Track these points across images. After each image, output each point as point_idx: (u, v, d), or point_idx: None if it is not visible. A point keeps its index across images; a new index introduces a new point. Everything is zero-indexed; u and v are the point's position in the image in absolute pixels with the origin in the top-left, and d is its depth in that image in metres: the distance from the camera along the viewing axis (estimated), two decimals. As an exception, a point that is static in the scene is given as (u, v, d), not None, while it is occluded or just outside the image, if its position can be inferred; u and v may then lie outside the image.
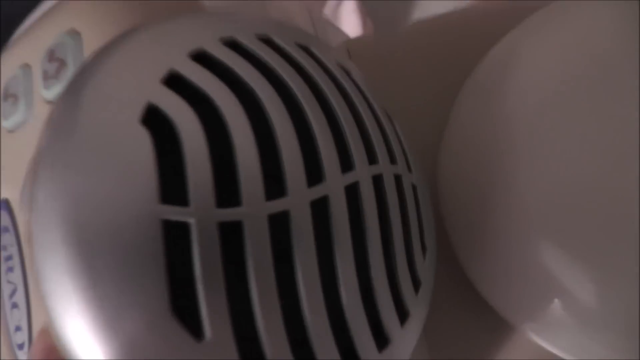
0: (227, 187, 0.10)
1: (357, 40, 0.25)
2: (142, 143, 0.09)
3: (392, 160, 0.13)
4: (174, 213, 0.09)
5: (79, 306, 0.09)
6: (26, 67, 0.15)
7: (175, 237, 0.09)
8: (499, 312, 0.19)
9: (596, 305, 0.16)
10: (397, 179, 0.13)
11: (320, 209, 0.11)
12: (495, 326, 0.20)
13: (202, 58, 0.11)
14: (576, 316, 0.16)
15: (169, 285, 0.09)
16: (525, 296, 0.17)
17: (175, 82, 0.10)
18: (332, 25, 0.23)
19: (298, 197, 0.10)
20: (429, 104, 0.22)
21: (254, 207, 0.10)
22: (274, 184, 0.10)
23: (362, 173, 0.12)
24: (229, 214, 0.09)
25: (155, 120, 0.10)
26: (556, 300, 0.16)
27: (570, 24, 0.19)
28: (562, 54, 0.18)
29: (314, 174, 0.11)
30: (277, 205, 0.10)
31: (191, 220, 0.09)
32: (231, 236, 0.09)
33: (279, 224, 0.10)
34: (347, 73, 0.13)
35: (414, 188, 0.14)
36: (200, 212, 0.09)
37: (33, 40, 0.16)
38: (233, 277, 0.09)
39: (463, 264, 0.19)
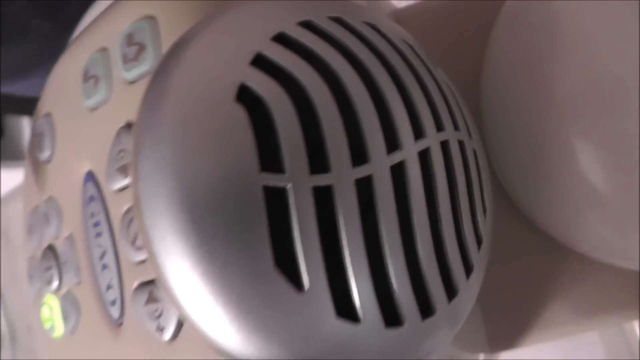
0: (317, 157, 0.11)
1: (403, 10, 0.25)
2: (240, 119, 0.11)
3: (456, 127, 0.14)
4: (273, 180, 0.10)
5: (190, 263, 0.10)
6: (104, 51, 0.16)
7: (274, 201, 0.10)
8: (552, 234, 0.20)
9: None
10: (461, 144, 0.14)
11: (397, 174, 0.12)
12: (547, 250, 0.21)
13: (283, 40, 0.12)
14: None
15: (271, 243, 0.10)
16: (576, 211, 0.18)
17: (261, 63, 0.11)
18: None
19: (379, 163, 0.11)
20: (476, 64, 0.23)
21: (342, 173, 0.11)
22: (358, 152, 0.11)
23: (432, 140, 0.13)
24: (321, 179, 0.11)
25: (247, 99, 0.11)
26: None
27: None
28: None
29: (391, 142, 0.12)
30: (361, 171, 0.11)
31: (288, 186, 0.10)
32: (323, 199, 0.11)
33: (364, 188, 0.11)
34: (411, 47, 0.14)
35: (475, 152, 0.14)
36: (295, 178, 0.10)
37: (108, 26, 0.17)
38: (326, 235, 0.11)
39: (514, 196, 0.20)
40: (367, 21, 0.14)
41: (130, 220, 0.15)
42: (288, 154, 0.10)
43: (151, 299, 0.15)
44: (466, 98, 0.17)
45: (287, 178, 0.10)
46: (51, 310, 0.20)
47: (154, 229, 0.11)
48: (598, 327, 0.24)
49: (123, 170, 0.15)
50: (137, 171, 0.11)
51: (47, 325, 0.20)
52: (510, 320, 0.23)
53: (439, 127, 0.13)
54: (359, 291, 0.11)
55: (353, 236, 0.11)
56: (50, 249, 0.20)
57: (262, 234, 0.10)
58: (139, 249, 0.15)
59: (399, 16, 0.26)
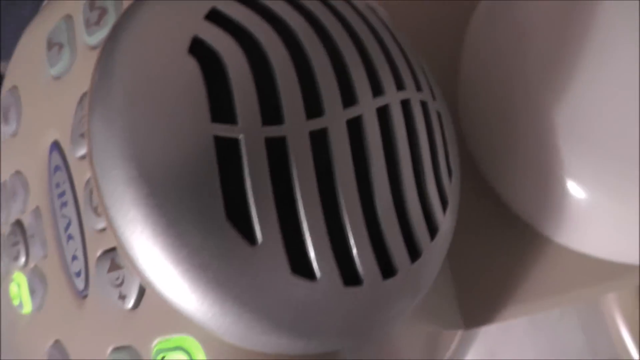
0: (270, 108, 0.11)
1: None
2: (192, 71, 0.10)
3: (418, 88, 0.14)
4: (225, 130, 0.10)
5: (144, 222, 0.10)
6: (68, 18, 0.16)
7: (225, 153, 0.10)
8: (523, 217, 0.20)
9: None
10: (424, 105, 0.14)
11: (355, 129, 0.11)
12: (519, 233, 0.21)
13: None
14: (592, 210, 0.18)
15: (222, 196, 0.10)
16: (547, 195, 0.19)
17: (215, 17, 0.11)
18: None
19: (335, 116, 0.11)
20: (445, 31, 0.23)
21: (296, 125, 0.11)
22: (313, 105, 0.11)
23: (392, 97, 0.12)
24: (274, 130, 0.10)
25: (200, 52, 0.11)
26: (575, 196, 0.18)
27: None
28: None
29: (348, 96, 0.11)
30: (316, 124, 0.11)
31: (240, 137, 0.10)
32: (276, 152, 0.10)
33: (319, 141, 0.11)
34: (374, 11, 0.14)
35: (439, 115, 0.14)
36: (248, 129, 0.10)
37: None
38: (279, 188, 0.10)
39: (487, 176, 0.20)
40: None
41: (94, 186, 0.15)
42: (240, 105, 0.10)
43: (113, 267, 0.14)
44: (442, 82, 0.17)
45: (239, 129, 0.10)
46: (19, 287, 0.20)
47: (105, 183, 0.11)
48: (570, 302, 0.25)
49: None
50: (90, 126, 0.11)
51: (16, 302, 0.20)
52: (484, 297, 0.23)
53: (400, 86, 0.13)
54: (314, 247, 0.11)
55: (307, 190, 0.11)
56: (18, 224, 0.19)
57: (214, 185, 0.10)
58: (101, 215, 0.14)
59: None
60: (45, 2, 0.20)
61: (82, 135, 0.15)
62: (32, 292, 0.19)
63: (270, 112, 0.10)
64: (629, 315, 0.46)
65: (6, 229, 0.20)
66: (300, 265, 0.11)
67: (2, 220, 0.20)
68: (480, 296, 0.23)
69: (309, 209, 0.11)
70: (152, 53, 0.11)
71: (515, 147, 0.20)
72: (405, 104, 0.13)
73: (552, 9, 0.19)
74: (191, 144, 0.10)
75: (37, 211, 0.18)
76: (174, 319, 0.13)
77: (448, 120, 0.15)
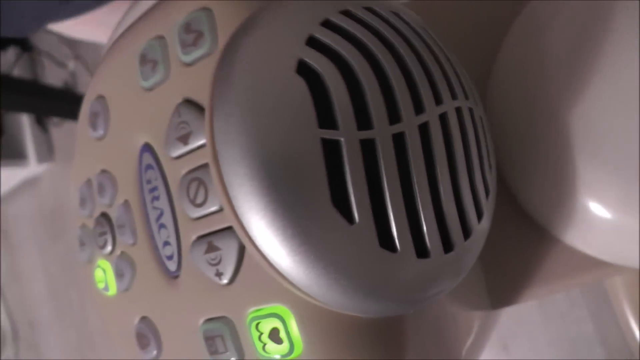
0: (362, 117, 0.13)
1: (414, 2, 0.28)
2: (301, 87, 0.13)
3: (466, 97, 0.16)
4: (329, 134, 0.13)
5: (265, 209, 0.13)
6: (161, 39, 0.19)
7: (330, 152, 0.13)
8: (540, 222, 0.23)
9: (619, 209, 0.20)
10: (471, 111, 0.16)
11: (424, 132, 0.14)
12: (536, 237, 0.24)
13: (329, 25, 0.14)
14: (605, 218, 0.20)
15: (328, 186, 0.13)
16: (564, 204, 0.22)
17: (313, 43, 0.14)
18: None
19: (410, 122, 0.14)
20: (476, 52, 0.26)
21: (382, 129, 0.13)
22: (393, 113, 0.14)
23: (448, 106, 0.15)
24: (366, 134, 0.13)
25: (304, 71, 0.14)
26: (589, 205, 0.21)
27: None
28: (595, 8, 0.21)
29: (418, 106, 0.14)
30: (397, 128, 0.14)
31: (341, 139, 0.13)
32: (368, 150, 0.13)
33: (399, 142, 0.14)
34: (427, 31, 0.17)
35: (481, 118, 0.17)
36: (346, 133, 0.13)
37: (164, 18, 0.19)
38: (371, 179, 0.13)
39: (510, 182, 0.23)
40: (392, 10, 0.16)
41: (190, 181, 0.17)
42: (340, 114, 0.13)
43: (211, 248, 0.17)
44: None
45: (340, 133, 0.13)
46: (105, 272, 0.22)
47: (231, 178, 0.13)
48: (580, 285, 0.28)
49: (182, 139, 0.18)
50: (215, 129, 0.14)
51: (101, 285, 0.23)
52: (507, 282, 0.26)
53: (454, 96, 0.16)
54: (396, 227, 0.14)
55: (392, 181, 0.13)
56: (104, 216, 0.22)
57: (322, 178, 0.13)
58: (199, 205, 0.17)
59: (411, 7, 0.29)
60: (120, 29, 0.23)
61: (178, 139, 0.18)
62: (120, 275, 0.21)
63: (363, 119, 0.13)
64: (635, 303, 0.49)
65: (90, 221, 0.23)
66: (386, 241, 0.14)
67: (86, 213, 0.23)
68: (504, 282, 0.26)
69: (393, 196, 0.13)
70: (265, 71, 0.14)
71: (535, 160, 0.23)
72: (459, 111, 0.16)
73: (579, 34, 0.22)
74: (303, 145, 0.13)
75: (126, 204, 0.21)
76: (266, 291, 0.16)
77: (487, 122, 0.18)
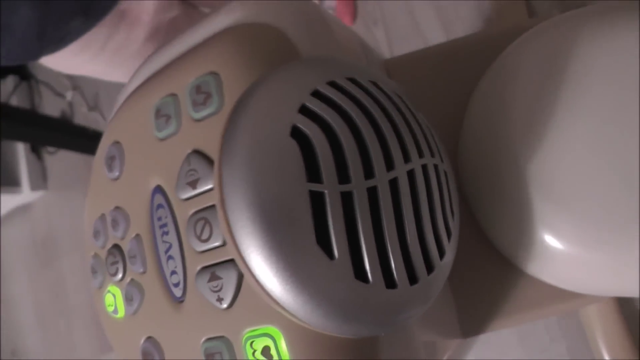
0: (342, 173, 0.17)
1: (391, 60, 0.32)
2: (294, 149, 0.16)
3: (432, 155, 0.20)
4: (316, 187, 0.16)
5: (261, 246, 0.16)
6: (173, 96, 0.22)
7: (316, 201, 0.16)
8: (508, 257, 0.27)
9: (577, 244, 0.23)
10: (436, 167, 0.20)
11: (393, 185, 0.18)
12: (504, 270, 0.28)
13: (317, 95, 0.18)
14: (564, 250, 0.24)
15: (314, 228, 0.16)
16: (529, 241, 0.25)
17: (305, 111, 0.17)
18: (370, 48, 0.30)
19: (381, 178, 0.17)
20: (449, 105, 0.30)
21: (358, 184, 0.17)
22: (368, 170, 0.17)
23: (415, 163, 0.18)
24: (346, 187, 0.16)
25: (296, 135, 0.17)
26: (551, 240, 0.24)
27: (556, 38, 0.26)
28: (551, 64, 0.25)
29: (389, 164, 0.18)
30: (370, 183, 0.17)
31: (325, 191, 0.16)
32: (346, 200, 0.16)
33: (372, 194, 0.17)
34: (400, 97, 0.20)
35: (445, 173, 0.20)
36: (329, 186, 0.16)
37: (177, 78, 0.22)
38: (348, 223, 0.16)
39: (480, 220, 0.26)
40: (370, 79, 0.20)
41: (197, 220, 0.20)
42: (324, 171, 0.16)
43: (213, 277, 0.20)
44: (442, 134, 0.23)
45: (324, 186, 0.16)
46: (115, 297, 0.25)
47: (235, 219, 0.16)
48: (549, 315, 0.31)
49: (191, 184, 0.21)
50: (222, 184, 0.17)
51: (110, 309, 0.25)
52: (478, 312, 0.29)
53: (420, 155, 0.19)
54: (369, 262, 0.17)
55: (365, 225, 0.17)
56: (116, 247, 0.25)
57: (308, 221, 0.16)
58: (204, 240, 0.20)
59: (389, 65, 0.33)
60: (127, 92, 0.26)
61: (188, 184, 0.21)
62: (129, 300, 0.24)
63: (343, 175, 0.16)
64: (608, 336, 0.53)
65: (103, 251, 0.26)
66: (360, 273, 0.17)
67: (100, 244, 0.26)
68: (474, 312, 0.29)
69: (366, 237, 0.17)
70: (264, 132, 0.17)
71: (500, 198, 0.27)
72: (424, 167, 0.19)
73: (536, 91, 0.26)
74: (294, 195, 0.16)
75: (138, 237, 0.24)
76: (260, 315, 0.19)
77: (452, 176, 0.21)
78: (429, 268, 0.19)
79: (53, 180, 1.54)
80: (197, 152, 0.21)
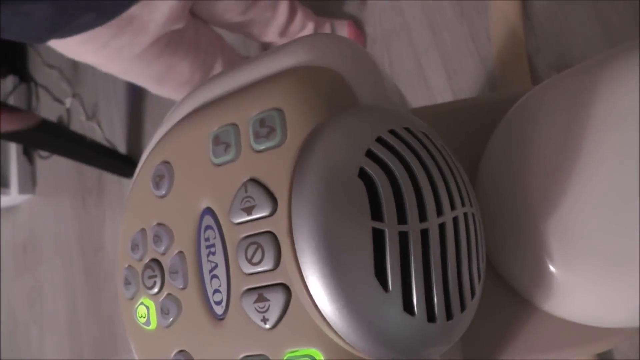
0: (401, 214, 0.18)
1: (419, 109, 0.34)
2: (360, 188, 0.18)
3: (471, 204, 0.22)
4: (378, 225, 0.18)
5: (322, 277, 0.18)
6: (234, 126, 0.24)
7: (376, 238, 0.18)
8: (524, 295, 0.29)
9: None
10: (473, 215, 0.22)
11: (441, 230, 0.19)
12: (515, 309, 0.29)
13: (380, 141, 0.20)
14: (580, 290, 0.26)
15: (373, 261, 0.18)
16: (543, 278, 0.27)
17: (370, 154, 0.19)
18: (404, 97, 0.32)
19: (432, 222, 0.19)
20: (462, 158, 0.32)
21: (413, 226, 0.18)
22: (422, 214, 0.19)
23: (459, 212, 0.20)
24: (403, 227, 0.18)
25: (362, 176, 0.19)
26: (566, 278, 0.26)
27: (575, 84, 0.29)
28: (570, 109, 0.28)
29: (439, 209, 0.20)
30: (424, 225, 0.19)
31: (385, 229, 0.18)
32: (402, 239, 0.18)
33: (424, 235, 0.19)
34: (445, 149, 0.22)
35: (480, 221, 0.23)
36: (389, 225, 0.18)
37: (239, 109, 0.24)
38: (403, 260, 0.18)
39: (495, 261, 0.28)
40: (421, 130, 0.22)
41: (249, 244, 0.22)
42: (386, 211, 0.18)
43: (260, 299, 0.21)
44: None
45: (385, 225, 0.18)
46: (148, 309, 0.26)
47: (302, 247, 0.18)
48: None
49: (247, 210, 0.22)
50: (292, 213, 0.19)
51: (142, 320, 0.27)
52: (482, 351, 0.31)
53: (463, 204, 0.21)
54: (417, 297, 0.18)
55: (417, 263, 0.18)
56: (155, 261, 0.26)
57: (369, 255, 0.18)
58: (255, 264, 0.22)
59: (415, 113, 0.35)
60: (170, 122, 0.28)
61: (242, 209, 0.22)
62: (165, 313, 0.25)
63: (401, 216, 0.18)
64: None
65: (140, 264, 0.27)
66: (408, 306, 0.18)
67: (137, 257, 0.27)
68: (479, 350, 0.31)
69: (417, 274, 0.18)
70: (334, 170, 0.19)
71: (516, 241, 0.29)
72: (465, 215, 0.21)
73: (553, 137, 0.28)
74: (359, 230, 0.18)
75: (181, 254, 0.25)
76: (304, 337, 0.21)
77: (481, 224, 0.23)
78: (463, 306, 0.20)
79: (42, 185, 1.53)
80: (254, 181, 0.22)
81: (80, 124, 1.48)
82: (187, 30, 0.77)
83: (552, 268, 0.27)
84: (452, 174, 0.21)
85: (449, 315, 0.20)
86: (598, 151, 0.25)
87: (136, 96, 1.39)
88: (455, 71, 0.92)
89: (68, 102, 1.51)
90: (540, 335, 0.30)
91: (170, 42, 0.74)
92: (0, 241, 1.55)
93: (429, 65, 0.95)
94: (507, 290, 0.30)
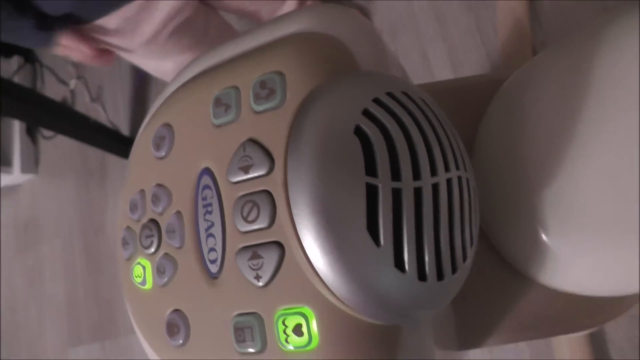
0: (395, 171, 0.19)
1: (420, 85, 0.35)
2: (356, 144, 0.19)
3: (465, 169, 0.22)
4: (372, 180, 0.18)
5: (317, 235, 0.18)
6: (235, 89, 0.24)
7: (370, 193, 0.18)
8: (519, 268, 0.29)
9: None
10: (468, 180, 0.22)
11: (434, 190, 0.20)
12: (509, 277, 0.30)
13: (378, 101, 0.20)
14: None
15: (366, 216, 0.18)
16: (535, 247, 0.27)
17: (367, 113, 0.19)
18: (405, 71, 0.32)
19: (426, 180, 0.19)
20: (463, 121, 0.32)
21: (408, 183, 0.19)
22: (416, 173, 0.19)
23: (453, 174, 0.21)
24: (397, 184, 0.18)
25: (358, 133, 0.19)
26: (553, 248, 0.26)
27: (568, 55, 0.29)
28: (562, 81, 0.28)
29: (433, 169, 0.20)
30: (417, 184, 0.19)
31: (379, 185, 0.18)
32: (396, 196, 0.18)
33: (417, 194, 0.19)
34: (442, 115, 0.23)
35: (474, 188, 0.23)
36: (383, 181, 0.18)
37: (242, 73, 0.24)
38: (395, 216, 0.18)
39: (491, 234, 0.29)
40: (420, 96, 0.22)
41: (246, 202, 0.22)
42: (380, 167, 0.18)
43: (255, 256, 0.22)
44: None
45: (379, 180, 0.18)
46: (144, 268, 0.27)
47: (296, 200, 0.18)
48: (545, 336, 0.33)
49: (244, 169, 0.22)
50: (288, 168, 0.19)
51: (138, 280, 0.27)
52: (476, 326, 0.31)
53: (457, 167, 0.21)
54: (408, 254, 0.19)
55: (409, 221, 0.19)
56: (153, 222, 0.26)
57: (362, 210, 0.18)
58: (250, 222, 0.22)
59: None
60: (190, 65, 0.28)
61: (240, 168, 0.23)
62: (161, 272, 0.26)
63: (395, 173, 0.19)
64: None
65: (138, 225, 0.27)
66: (399, 262, 0.19)
67: (135, 218, 0.28)
68: (473, 326, 0.31)
69: (408, 232, 0.19)
70: (330, 127, 0.19)
71: (511, 213, 0.29)
72: (459, 178, 0.21)
73: (552, 105, 0.28)
74: (352, 185, 0.18)
75: (178, 214, 0.25)
76: (296, 294, 0.21)
77: (476, 190, 0.23)
78: (454, 268, 0.21)
79: (45, 165, 1.54)
80: (253, 141, 0.23)
81: (84, 106, 1.48)
82: (195, 20, 0.77)
83: (546, 239, 0.27)
84: (448, 138, 0.22)
85: (439, 275, 0.20)
86: (595, 119, 0.25)
87: (141, 79, 1.40)
88: (461, 63, 0.92)
89: (72, 83, 1.51)
90: (535, 309, 0.30)
91: (179, 31, 0.74)
92: (1, 219, 1.56)
93: (434, 56, 0.95)
94: (503, 265, 0.30)
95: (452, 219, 0.20)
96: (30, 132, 1.56)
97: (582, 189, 0.26)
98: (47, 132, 1.54)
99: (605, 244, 0.26)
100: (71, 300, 1.37)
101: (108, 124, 1.39)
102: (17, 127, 1.52)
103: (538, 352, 0.74)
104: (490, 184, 0.29)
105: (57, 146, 1.51)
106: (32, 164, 1.53)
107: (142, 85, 1.40)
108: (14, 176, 1.49)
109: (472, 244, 0.22)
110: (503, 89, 0.31)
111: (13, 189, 1.56)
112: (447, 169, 0.20)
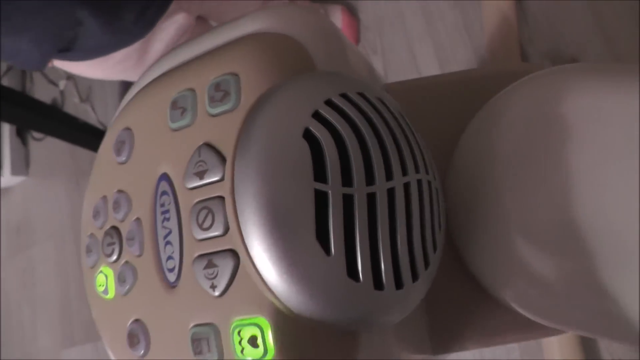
0: (346, 177, 0.18)
1: (390, 85, 0.34)
2: (304, 149, 0.18)
3: (427, 172, 0.21)
4: (321, 186, 0.17)
5: (265, 241, 0.17)
6: (192, 91, 0.23)
7: (319, 200, 0.18)
8: (484, 284, 0.28)
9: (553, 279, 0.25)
10: (429, 183, 0.21)
11: (390, 194, 0.19)
12: (478, 296, 0.29)
13: (330, 103, 0.19)
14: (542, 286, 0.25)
15: (315, 224, 0.17)
16: (506, 271, 0.26)
17: (317, 116, 0.19)
18: (375, 70, 0.32)
19: (380, 185, 0.19)
20: (440, 135, 0.32)
21: (360, 189, 0.18)
22: (369, 178, 0.18)
23: (412, 177, 0.20)
24: (348, 190, 0.18)
25: (308, 137, 0.18)
26: (529, 274, 0.26)
27: (544, 88, 0.28)
28: (537, 111, 0.27)
29: (388, 174, 0.19)
30: (371, 189, 0.18)
31: (329, 191, 0.18)
32: (347, 202, 0.18)
33: (371, 199, 0.18)
34: (402, 116, 0.22)
35: (437, 190, 0.22)
36: (333, 187, 0.18)
37: (197, 75, 0.24)
38: (347, 224, 0.18)
39: (460, 248, 0.28)
40: (377, 96, 0.21)
41: (201, 209, 0.21)
42: (330, 172, 0.18)
43: (210, 265, 0.21)
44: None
45: (328, 187, 0.18)
46: (107, 277, 0.26)
47: (243, 209, 0.18)
48: (514, 341, 0.32)
49: (199, 175, 0.22)
50: (235, 174, 0.18)
51: (100, 289, 0.26)
52: (450, 331, 0.31)
53: (417, 170, 0.20)
54: (362, 262, 0.18)
55: (362, 228, 0.18)
56: (114, 229, 0.26)
57: (310, 217, 0.17)
58: (205, 229, 0.21)
59: (387, 89, 0.34)
60: (153, 67, 0.28)
61: (195, 174, 0.22)
62: (122, 281, 0.25)
63: (346, 179, 0.18)
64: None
65: (100, 232, 0.27)
66: (352, 272, 0.18)
67: (98, 225, 0.27)
68: (446, 330, 0.31)
69: (361, 239, 0.18)
70: (278, 131, 0.18)
71: (483, 230, 0.28)
72: (419, 182, 0.20)
73: (520, 134, 0.27)
74: (300, 192, 0.17)
75: (138, 221, 0.25)
76: (251, 305, 0.20)
77: (442, 194, 0.23)
78: (414, 276, 0.20)
79: (35, 167, 1.53)
80: (208, 145, 0.22)
81: (74, 107, 1.47)
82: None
83: (512, 260, 0.26)
84: (407, 139, 0.21)
85: (398, 284, 0.19)
86: (559, 155, 0.25)
87: (130, 80, 1.39)
88: (448, 60, 0.91)
89: (62, 84, 1.50)
90: (502, 315, 0.30)
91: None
92: (-7, 222, 1.55)
93: (421, 53, 0.94)
94: (469, 278, 0.30)
95: (411, 224, 0.20)
96: (21, 134, 1.55)
97: (549, 215, 0.26)
98: (37, 134, 1.53)
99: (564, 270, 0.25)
100: (64, 302, 1.36)
101: (98, 125, 1.38)
102: (7, 129, 1.51)
103: (528, 352, 0.74)
104: (464, 200, 0.29)
105: (48, 148, 1.50)
106: (22, 165, 1.52)
107: (131, 85, 1.39)
108: (5, 178, 1.48)
109: (435, 249, 0.21)
110: (477, 117, 0.31)
111: (4, 191, 1.55)
112: (404, 173, 0.20)
